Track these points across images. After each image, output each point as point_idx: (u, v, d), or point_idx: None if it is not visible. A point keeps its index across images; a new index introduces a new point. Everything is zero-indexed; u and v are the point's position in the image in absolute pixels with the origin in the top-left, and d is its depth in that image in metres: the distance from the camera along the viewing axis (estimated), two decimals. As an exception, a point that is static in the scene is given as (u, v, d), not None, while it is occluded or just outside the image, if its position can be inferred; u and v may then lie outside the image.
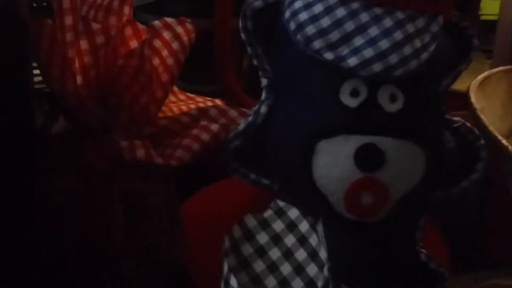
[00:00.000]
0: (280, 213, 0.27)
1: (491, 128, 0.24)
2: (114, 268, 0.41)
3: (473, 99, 0.28)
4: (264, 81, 0.39)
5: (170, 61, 0.39)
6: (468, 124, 0.40)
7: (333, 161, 0.35)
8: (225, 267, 0.24)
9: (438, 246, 0.45)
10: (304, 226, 0.26)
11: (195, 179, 0.46)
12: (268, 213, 0.27)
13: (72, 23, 0.36)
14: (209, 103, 0.46)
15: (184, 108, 0.43)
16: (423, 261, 0.39)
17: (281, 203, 0.28)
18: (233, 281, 0.23)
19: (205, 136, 0.37)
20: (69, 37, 0.36)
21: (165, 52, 0.39)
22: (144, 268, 0.41)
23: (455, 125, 0.40)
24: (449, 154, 0.39)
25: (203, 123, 0.39)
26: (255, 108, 0.39)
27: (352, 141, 0.34)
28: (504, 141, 0.23)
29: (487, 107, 0.30)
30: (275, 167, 0.38)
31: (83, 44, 0.33)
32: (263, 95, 0.39)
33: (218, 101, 0.47)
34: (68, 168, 0.38)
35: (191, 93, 0.48)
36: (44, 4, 0.42)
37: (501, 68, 0.36)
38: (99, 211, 0.39)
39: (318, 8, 0.33)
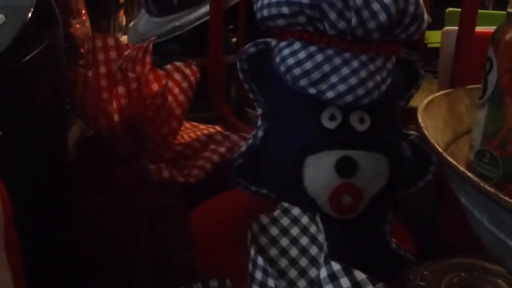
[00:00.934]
0: (286, 211, 0.36)
1: (432, 140, 0.33)
2: (139, 270, 0.48)
3: (420, 119, 0.37)
4: (259, 111, 0.47)
5: (181, 97, 0.48)
6: (420, 136, 0.50)
7: (319, 172, 0.43)
8: (252, 251, 0.32)
9: (404, 237, 0.52)
10: (305, 219, 0.35)
11: (200, 191, 0.54)
12: (277, 212, 0.36)
13: (106, 72, 0.44)
14: (212, 130, 0.54)
15: (192, 135, 0.52)
16: (393, 248, 0.47)
17: (286, 204, 0.36)
18: (259, 260, 0.31)
19: (215, 158, 0.46)
20: (103, 83, 0.44)
21: (176, 90, 0.47)
22: (162, 270, 0.48)
23: (411, 137, 0.48)
24: (407, 160, 0.48)
25: (211, 146, 0.47)
26: (254, 132, 0.47)
27: (332, 155, 0.43)
28: (440, 150, 0.31)
29: (431, 124, 0.39)
30: (272, 179, 0.46)
31: (121, 90, 0.41)
32: (259, 122, 0.47)
33: (218, 128, 0.55)
34: (100, 188, 0.46)
35: (192, 119, 0.56)
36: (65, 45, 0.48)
37: (441, 92, 0.46)
38: (127, 223, 0.46)
39: (301, 55, 0.41)
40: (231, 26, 0.73)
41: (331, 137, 0.43)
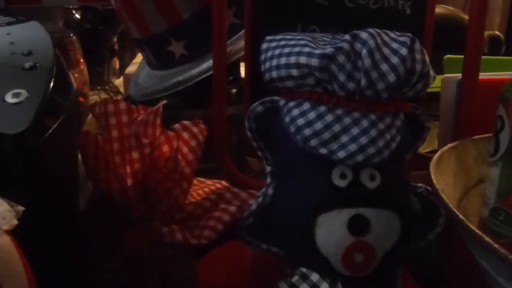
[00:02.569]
0: (305, 278, 0.36)
1: (450, 206, 0.33)
2: None
3: (434, 180, 0.37)
4: (268, 168, 0.47)
5: (190, 156, 0.48)
6: (428, 188, 0.49)
7: (331, 230, 0.43)
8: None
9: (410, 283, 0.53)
10: (324, 285, 0.35)
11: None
12: (295, 278, 0.36)
13: (118, 135, 0.45)
14: (218, 186, 0.54)
15: (200, 192, 0.52)
16: None
17: (304, 270, 0.36)
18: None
19: (226, 217, 0.46)
20: (115, 146, 0.44)
21: (185, 149, 0.48)
22: None
23: (419, 190, 0.48)
24: (417, 214, 0.48)
25: (221, 206, 0.47)
26: (263, 190, 0.47)
27: (344, 213, 0.43)
28: (463, 218, 0.31)
29: (443, 182, 0.40)
30: (283, 238, 0.45)
31: (134, 155, 0.41)
32: (268, 180, 0.47)
33: (224, 183, 0.56)
34: (113, 252, 0.45)
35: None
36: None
37: (449, 145, 0.47)
38: (139, 286, 0.46)
39: (311, 115, 0.42)
40: (231, 78, 0.74)
41: (342, 195, 0.43)
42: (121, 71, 1.33)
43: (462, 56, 0.58)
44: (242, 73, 0.77)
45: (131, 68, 1.04)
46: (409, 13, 0.54)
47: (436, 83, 0.67)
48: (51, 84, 0.35)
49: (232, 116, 0.67)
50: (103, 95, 1.12)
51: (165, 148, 0.45)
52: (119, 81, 1.25)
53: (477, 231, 0.30)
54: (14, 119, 0.32)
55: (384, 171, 0.44)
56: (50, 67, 0.36)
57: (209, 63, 0.63)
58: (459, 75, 0.59)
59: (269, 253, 0.47)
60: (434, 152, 0.74)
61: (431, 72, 0.44)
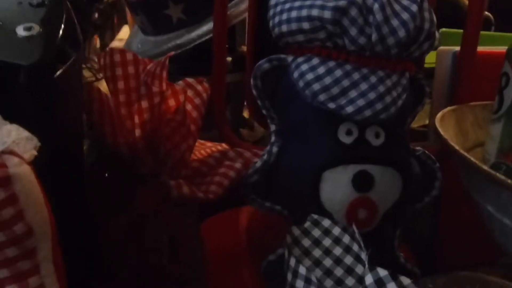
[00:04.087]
0: (316, 223, 0.36)
1: (457, 147, 0.34)
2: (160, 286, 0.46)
3: (441, 131, 0.38)
4: (272, 127, 0.47)
5: (194, 114, 0.47)
6: (426, 152, 0.51)
7: (336, 186, 0.43)
8: (292, 261, 0.32)
9: (406, 252, 0.55)
10: (336, 230, 0.35)
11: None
12: (307, 224, 0.36)
13: (124, 87, 0.44)
14: (219, 147, 0.54)
15: (202, 152, 0.51)
16: (401, 263, 0.48)
17: (315, 216, 0.37)
18: (301, 269, 0.31)
19: (231, 173, 0.46)
20: (122, 98, 0.44)
21: (189, 107, 0.47)
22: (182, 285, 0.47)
23: (417, 153, 0.49)
24: (416, 176, 0.49)
25: (226, 163, 0.47)
26: (268, 148, 0.47)
27: (349, 169, 0.43)
28: (467, 155, 0.33)
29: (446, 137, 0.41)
30: (287, 195, 0.46)
31: (144, 104, 0.41)
32: (273, 138, 0.47)
33: (224, 145, 0.56)
34: (124, 209, 0.45)
35: None
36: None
37: (449, 108, 0.48)
38: (148, 243, 0.45)
39: (321, 70, 0.42)
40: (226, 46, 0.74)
41: (348, 152, 0.44)
42: (101, 50, 1.31)
43: (458, 30, 0.59)
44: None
45: (115, 43, 1.02)
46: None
47: (430, 59, 0.68)
48: (63, 22, 0.34)
49: (229, 85, 0.66)
50: (85, 73, 1.10)
51: (171, 102, 0.45)
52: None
53: (490, 170, 0.31)
54: (27, 51, 0.31)
55: (389, 129, 0.45)
56: (60, 5, 0.35)
57: (208, 26, 0.62)
58: (455, 47, 0.61)
59: (272, 212, 0.48)
60: (425, 126, 0.75)
61: (437, 33, 0.45)
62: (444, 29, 0.68)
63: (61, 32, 0.33)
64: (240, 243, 0.56)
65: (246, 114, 0.85)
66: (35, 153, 0.28)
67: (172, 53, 0.45)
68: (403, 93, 0.44)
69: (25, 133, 0.27)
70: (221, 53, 0.59)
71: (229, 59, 0.74)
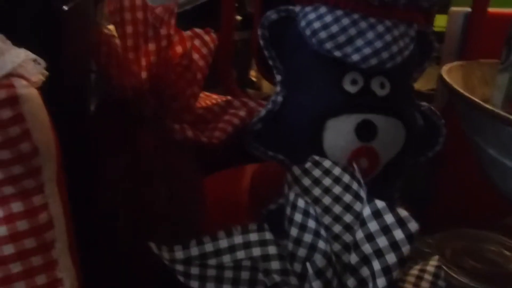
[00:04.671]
0: (317, 164, 0.37)
1: (461, 90, 0.35)
2: (155, 229, 0.46)
3: (446, 78, 0.38)
4: (278, 77, 0.47)
5: (201, 63, 0.48)
6: (431, 107, 0.51)
7: (339, 134, 0.44)
8: (291, 195, 0.33)
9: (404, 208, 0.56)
10: (337, 170, 0.36)
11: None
12: (308, 164, 0.37)
13: (132, 31, 0.44)
14: (224, 99, 0.55)
15: (208, 102, 0.52)
16: None
17: (316, 157, 0.37)
18: (300, 202, 0.32)
19: (235, 121, 0.46)
20: (129, 42, 0.44)
21: (196, 56, 0.48)
22: (175, 227, 0.47)
23: (422, 108, 0.49)
24: (420, 130, 0.49)
25: (231, 111, 0.48)
26: (272, 98, 0.48)
27: (352, 118, 0.44)
28: (472, 97, 0.33)
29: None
30: (290, 144, 0.46)
31: (151, 46, 0.42)
32: (278, 88, 0.47)
33: (229, 98, 0.56)
34: (123, 149, 0.46)
35: None
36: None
37: (457, 62, 0.47)
38: (146, 184, 0.46)
39: (328, 18, 0.42)
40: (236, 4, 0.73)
41: (352, 100, 0.44)
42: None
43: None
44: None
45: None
46: None
47: (440, 23, 0.67)
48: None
49: (237, 43, 0.67)
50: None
51: (178, 49, 0.45)
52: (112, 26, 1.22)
53: (493, 108, 0.31)
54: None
55: (394, 81, 0.45)
56: None
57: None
58: (466, 8, 0.60)
59: (275, 160, 0.48)
60: (433, 90, 0.75)
61: (445, -15, 0.45)
62: (454, -9, 0.67)
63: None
64: (241, 198, 0.57)
65: (253, 75, 0.85)
66: (42, 78, 0.28)
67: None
68: (410, 44, 0.45)
69: (33, 56, 0.27)
70: (229, 10, 0.60)
71: (238, 17, 0.74)
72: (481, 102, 0.31)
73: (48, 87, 0.30)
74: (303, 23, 0.44)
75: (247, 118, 0.47)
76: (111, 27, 0.46)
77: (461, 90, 0.34)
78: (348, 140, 0.44)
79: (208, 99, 0.54)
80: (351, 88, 0.44)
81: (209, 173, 0.57)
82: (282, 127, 0.47)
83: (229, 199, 0.59)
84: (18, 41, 0.29)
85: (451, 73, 0.43)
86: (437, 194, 0.66)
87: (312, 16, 0.44)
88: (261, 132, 0.48)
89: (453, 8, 0.61)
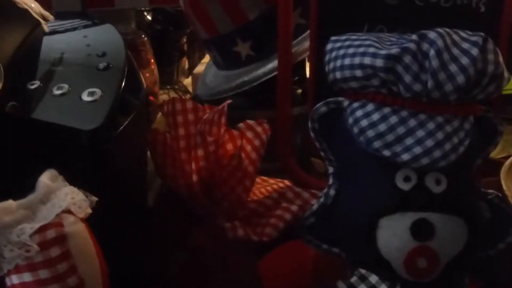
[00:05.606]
0: (363, 278, 0.36)
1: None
2: None
3: (504, 186, 0.36)
4: (330, 169, 0.47)
5: (253, 155, 0.49)
6: (499, 194, 0.47)
7: (393, 234, 0.42)
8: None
9: None
10: (383, 287, 0.35)
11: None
12: (354, 278, 0.36)
13: (185, 133, 0.46)
14: (281, 185, 0.55)
15: (263, 190, 0.52)
16: None
17: (363, 271, 0.36)
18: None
19: (287, 216, 0.46)
20: (182, 144, 0.46)
21: (249, 148, 0.49)
22: None
23: (489, 197, 0.46)
24: (486, 221, 0.46)
25: (283, 204, 0.48)
26: (325, 191, 0.47)
27: (407, 217, 0.42)
28: None
29: None
30: (344, 239, 0.45)
31: (200, 152, 0.43)
32: (331, 180, 0.47)
33: (287, 182, 0.56)
34: (179, 246, 0.47)
35: (259, 169, 0.56)
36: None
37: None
38: (202, 280, 0.47)
39: (375, 116, 0.42)
40: (296, 78, 0.74)
41: (406, 199, 0.43)
42: (190, 71, 1.36)
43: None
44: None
45: (199, 68, 1.06)
46: (483, 11, 0.52)
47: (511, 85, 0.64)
48: (123, 84, 0.37)
49: (298, 117, 0.67)
50: (173, 94, 1.16)
51: (229, 146, 0.46)
52: (188, 81, 1.28)
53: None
54: (89, 116, 0.34)
55: (451, 175, 0.43)
56: (122, 67, 0.38)
57: (274, 63, 0.64)
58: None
59: (330, 254, 0.47)
60: (509, 157, 0.71)
61: (505, 74, 0.43)
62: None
63: (121, 93, 0.36)
64: (300, 278, 0.56)
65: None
66: (90, 211, 0.30)
67: (229, 101, 0.47)
68: (466, 139, 0.42)
69: (80, 196, 0.30)
70: (285, 89, 0.60)
71: (299, 91, 0.74)
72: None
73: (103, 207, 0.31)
74: (351, 120, 0.44)
75: (299, 212, 0.47)
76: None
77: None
78: (403, 240, 0.43)
79: (263, 185, 0.55)
80: (404, 185, 0.43)
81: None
82: (335, 221, 0.47)
83: (290, 281, 0.58)
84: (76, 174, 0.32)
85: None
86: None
87: (359, 113, 0.43)
88: (314, 225, 0.47)
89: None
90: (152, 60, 1.01)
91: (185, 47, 1.34)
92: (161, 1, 0.96)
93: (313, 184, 0.54)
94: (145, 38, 0.94)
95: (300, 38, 0.65)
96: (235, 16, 0.68)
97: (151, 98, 0.97)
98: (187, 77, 1.35)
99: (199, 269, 0.46)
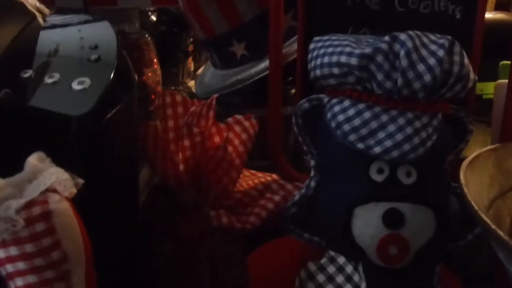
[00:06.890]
0: (332, 260, 0.38)
1: (471, 200, 0.35)
2: None
3: (461, 176, 0.38)
4: (312, 162, 0.50)
5: (241, 148, 0.51)
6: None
7: (367, 223, 0.45)
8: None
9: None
10: (349, 268, 0.37)
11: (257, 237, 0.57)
12: (324, 260, 0.39)
13: (174, 125, 0.49)
14: (268, 178, 0.58)
15: (250, 182, 0.55)
16: None
17: (332, 253, 0.39)
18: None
19: (270, 205, 0.49)
20: (171, 135, 0.49)
21: (236, 142, 0.51)
22: None
23: (458, 190, 0.48)
24: (455, 213, 0.49)
25: (267, 195, 0.51)
26: (307, 182, 0.50)
27: (380, 207, 0.45)
28: (477, 209, 0.33)
29: (475, 180, 0.40)
30: (323, 228, 0.48)
31: (186, 142, 0.46)
32: (312, 173, 0.50)
33: (274, 176, 0.59)
34: (167, 237, 0.49)
35: (251, 166, 0.59)
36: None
37: (488, 147, 0.47)
38: (190, 270, 0.48)
39: (351, 112, 0.45)
40: (290, 78, 0.77)
41: (379, 189, 0.46)
42: (195, 73, 1.39)
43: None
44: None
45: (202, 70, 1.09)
46: (459, 17, 0.55)
47: (491, 90, 0.66)
48: (112, 75, 0.39)
49: (291, 116, 0.70)
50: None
51: (216, 139, 0.49)
52: (192, 83, 1.30)
53: (490, 223, 0.31)
54: (78, 103, 0.37)
55: (421, 169, 0.46)
56: (113, 60, 0.41)
57: (266, 63, 0.66)
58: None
59: (311, 243, 0.50)
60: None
61: (471, 75, 0.46)
62: (503, 62, 0.66)
63: (110, 83, 0.39)
64: (287, 271, 0.58)
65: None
66: (75, 190, 0.33)
67: (216, 95, 0.50)
68: (434, 134, 0.45)
69: (65, 176, 0.32)
70: (275, 88, 0.63)
71: (293, 91, 0.77)
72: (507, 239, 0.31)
73: (94, 187, 0.34)
74: (329, 115, 0.47)
75: (281, 202, 0.50)
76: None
77: (476, 208, 0.34)
78: (376, 228, 0.45)
79: (251, 178, 0.58)
80: (377, 177, 0.46)
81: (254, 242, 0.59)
82: (315, 211, 0.49)
83: (279, 273, 0.60)
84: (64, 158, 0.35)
85: (478, 161, 0.43)
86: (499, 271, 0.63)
87: (337, 108, 0.46)
88: (296, 215, 0.50)
89: (500, 81, 0.60)
90: (155, 60, 1.04)
91: (191, 48, 1.37)
92: (164, 2, 0.99)
93: (303, 180, 0.56)
94: (148, 38, 0.97)
95: (292, 39, 0.67)
96: (231, 17, 0.71)
97: (153, 96, 1.00)
98: (193, 78, 1.38)
99: (187, 260, 0.49)
